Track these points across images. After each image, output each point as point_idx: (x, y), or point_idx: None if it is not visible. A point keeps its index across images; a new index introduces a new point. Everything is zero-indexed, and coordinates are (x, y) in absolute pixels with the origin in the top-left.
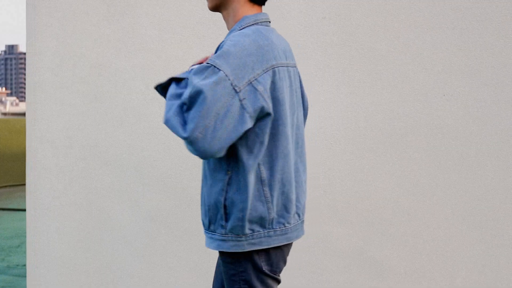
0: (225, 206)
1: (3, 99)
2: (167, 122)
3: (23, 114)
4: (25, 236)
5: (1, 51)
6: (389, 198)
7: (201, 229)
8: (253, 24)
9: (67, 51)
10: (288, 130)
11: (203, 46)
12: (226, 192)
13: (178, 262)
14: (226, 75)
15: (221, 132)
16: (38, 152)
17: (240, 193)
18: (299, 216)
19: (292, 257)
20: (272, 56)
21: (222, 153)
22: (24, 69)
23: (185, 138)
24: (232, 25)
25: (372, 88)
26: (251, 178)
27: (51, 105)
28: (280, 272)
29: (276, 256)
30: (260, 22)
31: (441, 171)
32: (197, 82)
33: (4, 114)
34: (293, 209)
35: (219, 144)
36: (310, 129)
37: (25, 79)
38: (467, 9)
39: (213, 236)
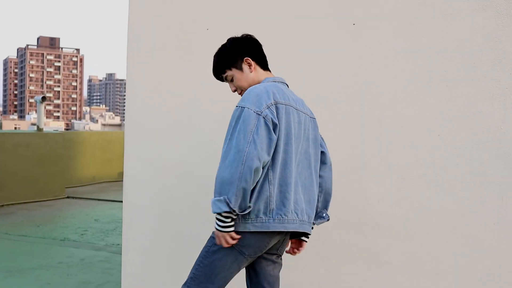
0: None
1: (103, 113)
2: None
3: (118, 125)
4: (119, 222)
5: (103, 78)
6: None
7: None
8: (271, 82)
9: (159, 82)
10: (290, 148)
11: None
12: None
13: None
14: (249, 108)
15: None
16: (133, 161)
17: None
18: (296, 214)
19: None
20: (278, 97)
21: None
22: (119, 91)
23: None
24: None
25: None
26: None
27: (143, 125)
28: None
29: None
30: (278, 81)
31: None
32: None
33: (104, 125)
34: (290, 207)
35: None
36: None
37: (119, 99)
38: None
39: None
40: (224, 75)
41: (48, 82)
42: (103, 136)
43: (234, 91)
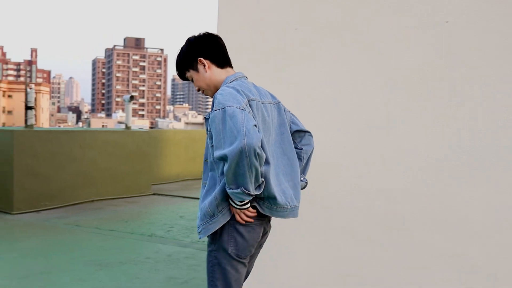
0: None
1: (186, 112)
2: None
3: (200, 124)
4: None
5: None
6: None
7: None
8: (233, 80)
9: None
10: (265, 143)
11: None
12: None
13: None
14: (230, 106)
15: None
16: None
17: None
18: (288, 202)
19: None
20: (248, 95)
21: None
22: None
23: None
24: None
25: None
26: None
27: None
28: None
29: None
30: (239, 77)
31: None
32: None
33: (187, 123)
34: (280, 198)
35: None
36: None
37: (202, 98)
38: None
39: None
40: (186, 76)
41: (133, 82)
42: (187, 135)
43: (198, 90)
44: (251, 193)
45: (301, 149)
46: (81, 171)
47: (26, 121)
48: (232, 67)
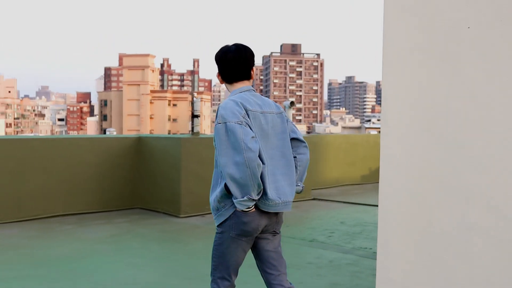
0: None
1: (343, 116)
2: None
3: (357, 128)
4: (365, 225)
5: (342, 81)
6: None
7: None
8: (237, 94)
9: (416, 84)
10: (261, 146)
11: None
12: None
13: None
14: (230, 121)
15: None
16: (389, 166)
17: None
18: (280, 198)
19: None
20: (247, 106)
21: None
22: (358, 94)
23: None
24: None
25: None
26: None
27: (400, 129)
28: None
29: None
30: (243, 91)
31: None
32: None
33: (344, 127)
34: (272, 194)
35: None
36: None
37: (359, 101)
38: None
39: None
40: None
41: (290, 87)
42: (347, 139)
43: None
44: (255, 198)
45: (295, 157)
46: None
47: (192, 128)
48: (243, 80)
